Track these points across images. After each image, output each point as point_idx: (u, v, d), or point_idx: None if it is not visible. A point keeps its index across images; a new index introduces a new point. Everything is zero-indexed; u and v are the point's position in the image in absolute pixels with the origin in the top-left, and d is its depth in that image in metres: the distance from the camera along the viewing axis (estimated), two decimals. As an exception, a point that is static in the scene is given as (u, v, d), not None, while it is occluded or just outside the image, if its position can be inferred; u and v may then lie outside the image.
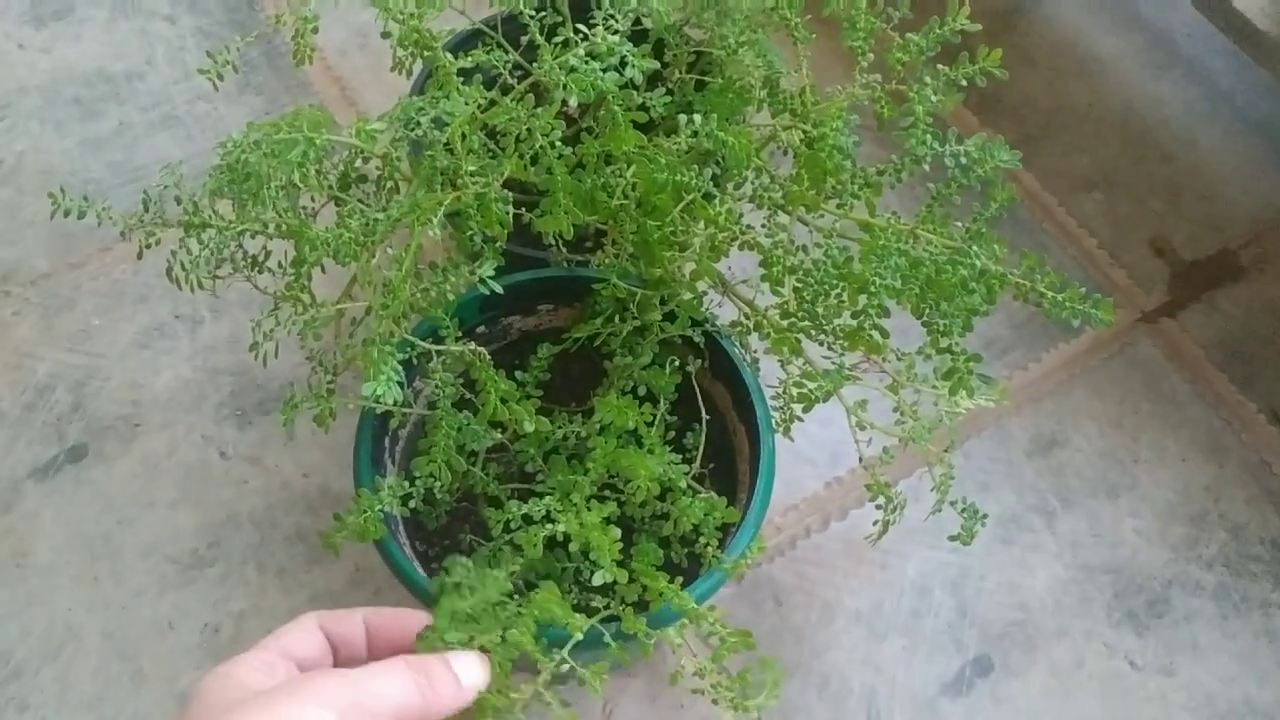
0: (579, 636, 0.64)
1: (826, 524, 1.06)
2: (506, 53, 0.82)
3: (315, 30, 0.83)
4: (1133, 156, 1.29)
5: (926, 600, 1.03)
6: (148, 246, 0.77)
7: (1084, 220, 1.24)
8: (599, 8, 0.76)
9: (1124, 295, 1.20)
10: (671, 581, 0.72)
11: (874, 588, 1.03)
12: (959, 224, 0.76)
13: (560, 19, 0.93)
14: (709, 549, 0.75)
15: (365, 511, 0.74)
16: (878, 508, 0.85)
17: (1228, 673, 1.00)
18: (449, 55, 0.78)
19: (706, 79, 0.88)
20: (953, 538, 0.82)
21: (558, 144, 0.74)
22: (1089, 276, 1.20)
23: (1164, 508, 1.08)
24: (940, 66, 0.77)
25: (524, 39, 0.78)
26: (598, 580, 0.72)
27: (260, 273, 0.80)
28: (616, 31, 0.74)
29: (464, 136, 0.75)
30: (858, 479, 1.07)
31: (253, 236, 0.77)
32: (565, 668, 0.62)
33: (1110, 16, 1.39)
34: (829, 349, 0.80)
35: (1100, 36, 1.37)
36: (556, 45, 0.75)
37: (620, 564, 0.73)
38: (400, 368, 0.70)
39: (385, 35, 0.79)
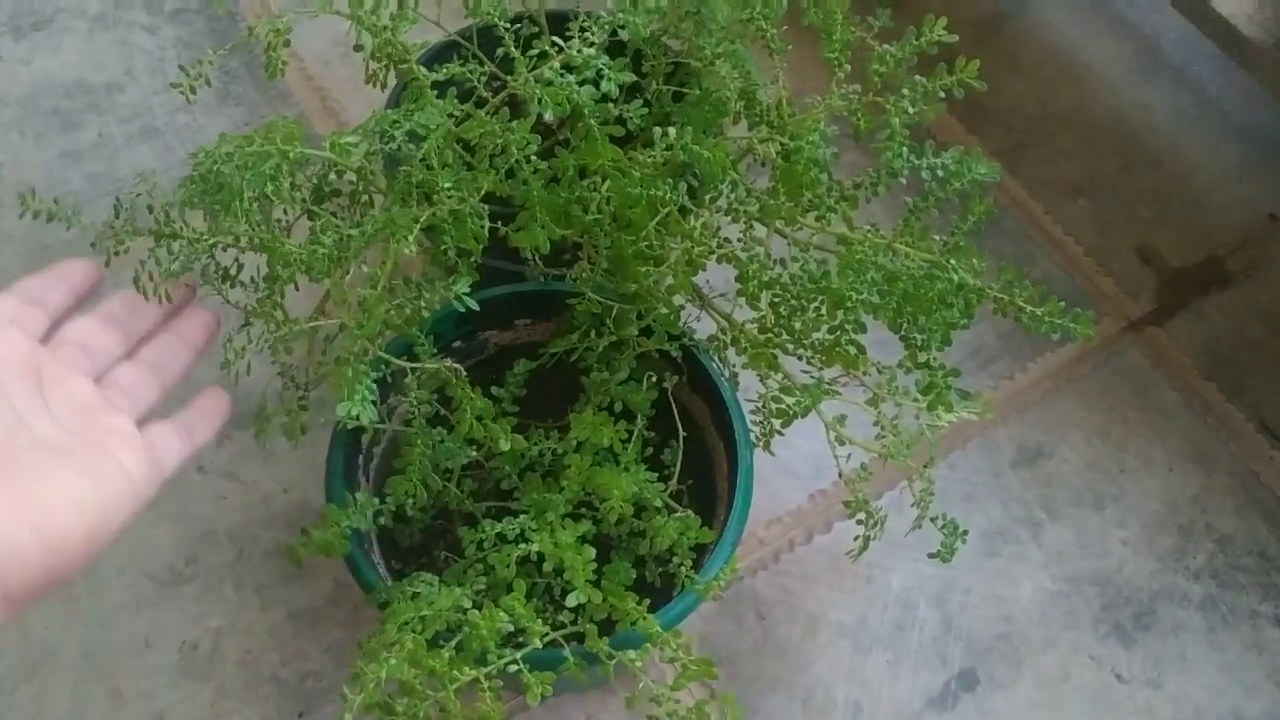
0: (537, 644, 0.64)
1: (810, 537, 1.05)
2: (482, 64, 0.82)
3: (288, 44, 0.82)
4: (1120, 163, 1.28)
5: (911, 613, 1.02)
6: (116, 254, 0.76)
7: (1070, 227, 1.23)
8: (576, 19, 0.76)
9: (1111, 303, 1.19)
10: (643, 601, 0.71)
11: (858, 601, 1.02)
12: (937, 237, 0.75)
13: (537, 30, 0.92)
14: (682, 570, 0.74)
15: (333, 527, 0.73)
16: (858, 523, 0.84)
17: (1216, 685, 1.00)
18: (423, 68, 0.77)
19: (684, 90, 0.87)
20: (933, 555, 0.81)
21: (533, 158, 0.73)
22: (1075, 284, 1.20)
23: (1151, 518, 1.07)
24: (919, 78, 0.76)
25: (500, 51, 0.77)
26: (571, 601, 0.71)
27: (232, 286, 0.79)
28: (592, 44, 0.73)
29: (439, 150, 0.75)
30: (841, 492, 1.06)
31: (225, 249, 0.76)
32: (514, 669, 0.63)
33: (1097, 22, 1.38)
34: (808, 363, 0.80)
35: (1087, 43, 1.36)
36: (532, 58, 0.74)
37: (595, 583, 0.72)
38: (374, 386, 0.69)
39: (358, 48, 0.78)
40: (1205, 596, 1.04)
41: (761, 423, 0.82)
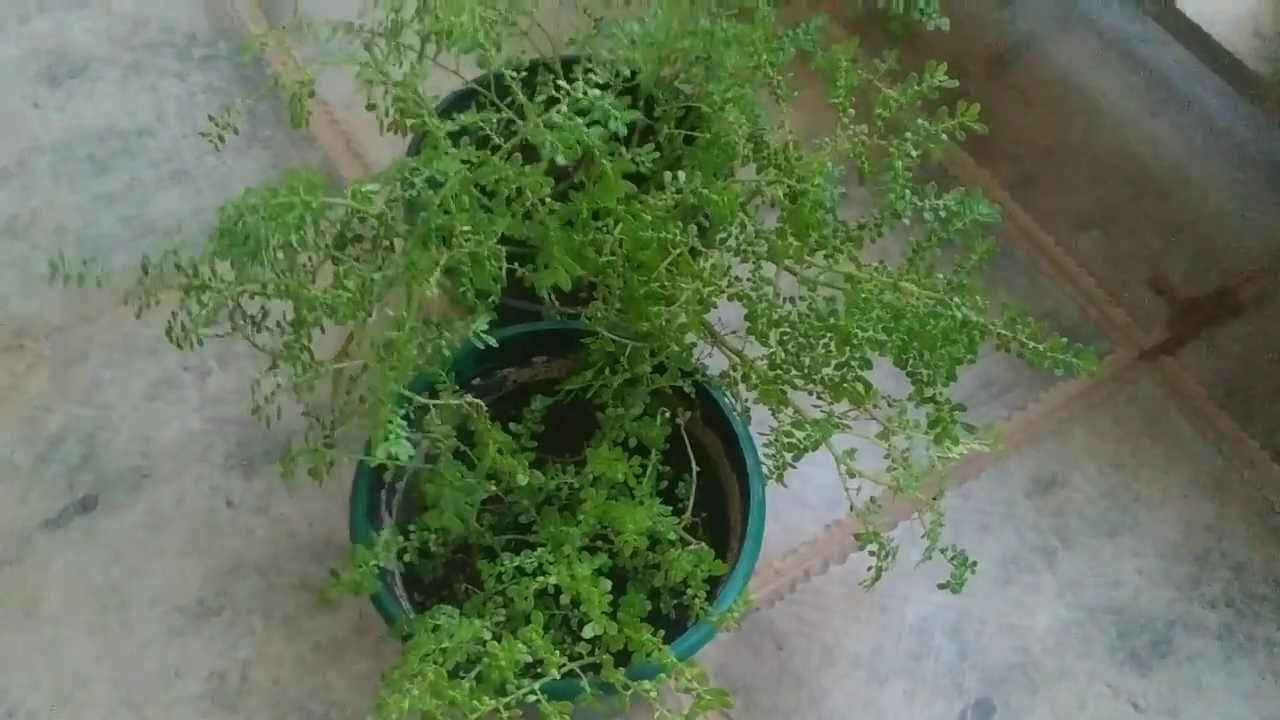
0: (555, 673, 0.66)
1: (826, 567, 1.06)
2: (498, 110, 0.84)
3: (312, 94, 0.85)
4: (1130, 194, 1.29)
5: (926, 643, 1.03)
6: (147, 306, 0.79)
7: (1082, 259, 1.25)
8: (588, 68, 0.78)
9: (1123, 334, 1.20)
10: (658, 632, 0.73)
11: (874, 631, 1.03)
12: (941, 275, 0.77)
13: (552, 76, 0.95)
14: (696, 601, 0.76)
15: (360, 567, 0.75)
16: (870, 554, 0.86)
17: (1233, 713, 1.00)
18: (440, 118, 0.80)
19: (695, 134, 0.90)
20: (942, 586, 0.82)
21: (548, 200, 0.76)
22: (1087, 315, 1.21)
23: (1166, 547, 1.08)
24: (921, 121, 0.78)
25: (512, 97, 0.80)
26: (588, 633, 0.73)
27: (259, 331, 0.81)
28: (598, 85, 0.76)
29: (456, 196, 0.77)
30: (856, 522, 1.07)
31: (251, 297, 0.79)
32: (532, 699, 0.65)
33: (1107, 56, 1.40)
34: (818, 398, 0.81)
35: (1097, 76, 1.38)
36: (540, 104, 0.77)
37: (611, 615, 0.74)
38: (406, 424, 0.71)
39: (370, 107, 0.81)
40: (1221, 624, 1.04)
41: (774, 456, 0.84)
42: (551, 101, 0.75)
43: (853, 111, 0.80)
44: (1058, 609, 1.05)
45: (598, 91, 0.73)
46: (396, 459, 0.69)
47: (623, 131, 0.75)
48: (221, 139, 0.82)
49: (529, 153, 0.81)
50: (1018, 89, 1.37)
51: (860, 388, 0.76)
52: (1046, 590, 1.06)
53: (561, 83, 0.75)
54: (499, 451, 0.77)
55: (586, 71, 0.75)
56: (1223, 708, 1.00)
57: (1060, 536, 1.08)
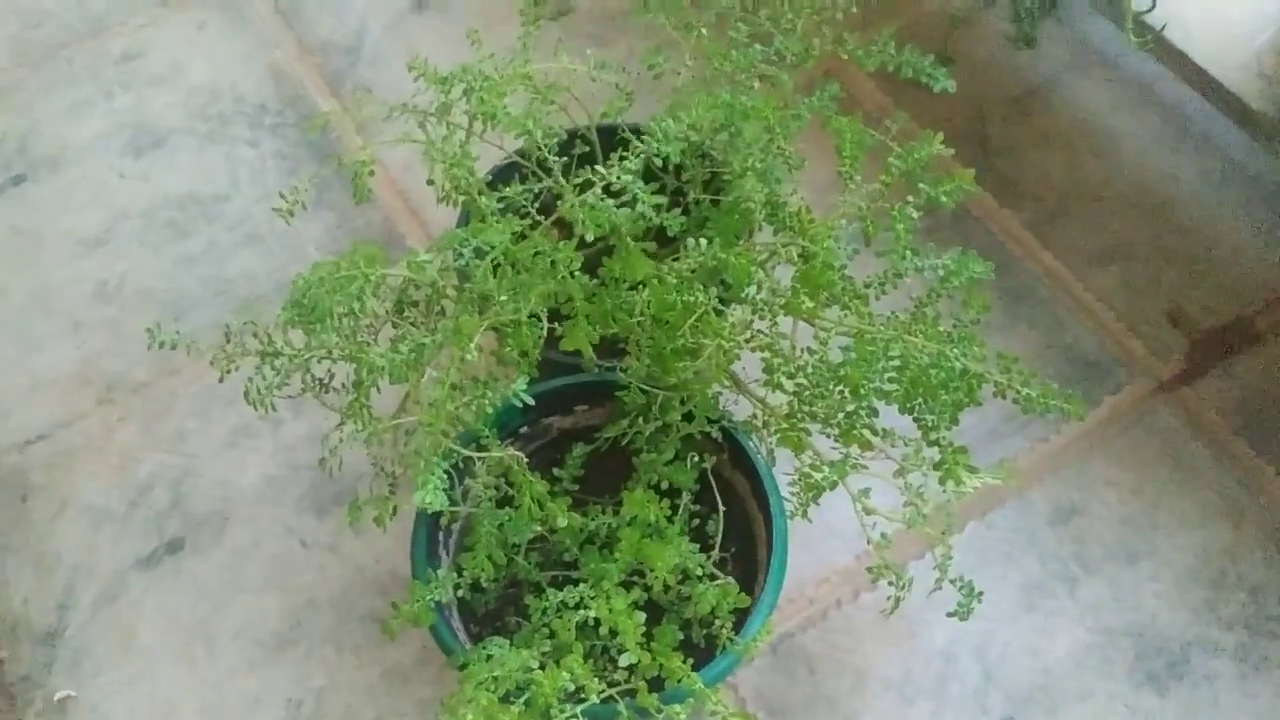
0: (595, 699, 0.74)
1: (856, 595, 1.13)
2: (539, 180, 0.93)
3: (372, 173, 0.95)
4: (1148, 230, 1.35)
5: (953, 666, 1.09)
6: (228, 372, 0.88)
7: (1101, 294, 1.30)
8: (619, 135, 0.86)
9: (1142, 365, 1.25)
10: (689, 660, 0.81)
11: (902, 655, 1.10)
12: (942, 328, 0.83)
13: (588, 148, 1.04)
14: (723, 632, 0.84)
15: (418, 601, 0.84)
16: (889, 584, 0.92)
17: (1249, 731, 1.05)
18: (488, 190, 0.89)
19: (720, 198, 0.97)
20: (950, 614, 0.89)
21: (577, 273, 0.84)
22: (1106, 349, 1.26)
23: (1183, 571, 1.13)
24: (922, 185, 0.86)
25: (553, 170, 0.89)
26: (624, 661, 0.81)
27: (327, 392, 0.91)
28: (630, 171, 0.84)
29: (496, 266, 0.86)
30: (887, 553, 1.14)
31: (319, 361, 0.88)
32: None
33: (1125, 96, 1.45)
34: (835, 441, 0.89)
35: (1116, 116, 1.44)
36: (576, 186, 0.85)
37: (645, 645, 0.82)
38: (449, 474, 0.80)
39: (430, 182, 0.90)
40: (1237, 645, 1.09)
41: (798, 494, 0.91)
42: (587, 184, 0.84)
43: (859, 178, 0.88)
44: (1078, 632, 1.10)
45: (629, 177, 0.82)
46: (431, 507, 0.77)
47: (650, 215, 0.83)
48: (292, 213, 0.92)
49: (564, 224, 0.90)
50: (1038, 130, 1.43)
51: (867, 434, 0.82)
52: (1067, 614, 1.11)
53: (599, 167, 0.84)
54: (536, 501, 0.85)
55: (621, 158, 0.83)
56: (1240, 725, 1.05)
57: (1081, 563, 1.14)
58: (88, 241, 1.41)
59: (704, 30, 1.00)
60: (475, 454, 0.85)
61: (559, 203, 0.88)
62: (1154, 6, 1.30)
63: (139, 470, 1.24)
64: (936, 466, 0.84)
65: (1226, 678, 1.07)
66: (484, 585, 0.90)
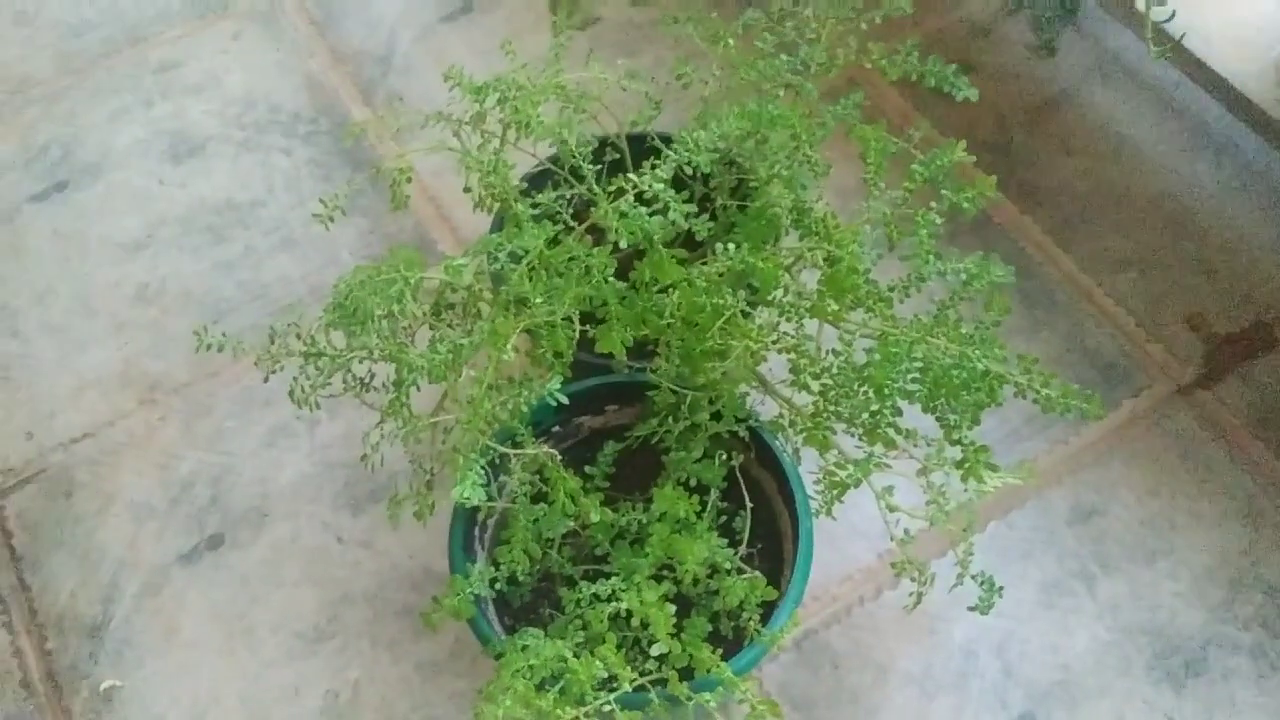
0: (627, 686, 0.77)
1: (879, 593, 1.15)
2: (572, 186, 0.96)
3: (409, 180, 0.98)
4: (1168, 236, 1.37)
5: (973, 662, 1.11)
6: (273, 372, 0.92)
7: (1121, 299, 1.32)
8: (650, 143, 0.90)
9: (1160, 370, 1.27)
10: (717, 651, 0.83)
11: (924, 651, 1.12)
12: (964, 330, 0.86)
13: (619, 155, 1.07)
14: (750, 624, 0.86)
15: (458, 595, 0.87)
16: (912, 580, 0.95)
17: (1266, 728, 1.07)
18: (520, 202, 0.92)
19: (747, 204, 1.00)
20: (971, 608, 0.91)
21: (610, 279, 0.87)
22: (1125, 353, 1.29)
23: (1201, 571, 1.15)
24: (945, 191, 0.88)
25: (585, 178, 0.92)
26: (655, 651, 0.84)
27: (367, 391, 0.94)
28: (662, 180, 0.87)
29: (531, 270, 0.89)
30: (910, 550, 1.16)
31: (360, 361, 0.91)
32: (607, 709, 0.75)
33: (1145, 103, 1.47)
34: (859, 440, 0.91)
35: (1136, 122, 1.46)
36: (610, 192, 0.88)
37: (675, 636, 0.85)
38: (486, 470, 0.83)
39: (467, 190, 0.93)
40: (1255, 644, 1.11)
41: (823, 492, 0.93)
42: (619, 191, 0.87)
43: (883, 184, 0.90)
44: (1097, 630, 1.12)
45: (661, 186, 0.85)
46: (469, 502, 0.80)
47: (681, 223, 0.85)
48: (331, 219, 0.95)
49: (595, 229, 0.93)
50: (1059, 138, 1.45)
51: (891, 433, 0.85)
52: (1086, 612, 1.13)
53: (631, 175, 0.87)
54: (570, 497, 0.88)
55: (653, 167, 0.86)
56: (1257, 722, 1.07)
57: (1099, 562, 1.16)
58: (128, 246, 1.45)
59: (731, 40, 1.03)
60: (511, 451, 0.88)
61: (591, 209, 0.91)
62: (1173, 16, 1.32)
63: (180, 468, 1.27)
64: (958, 465, 0.86)
65: (1244, 676, 1.09)
66: (519, 579, 0.93)
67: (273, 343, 0.91)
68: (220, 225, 1.47)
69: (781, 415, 0.96)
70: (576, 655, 0.83)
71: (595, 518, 0.89)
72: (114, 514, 1.25)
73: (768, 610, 0.90)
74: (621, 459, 0.99)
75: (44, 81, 1.62)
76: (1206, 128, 1.44)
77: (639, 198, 0.87)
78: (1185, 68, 1.32)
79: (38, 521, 1.25)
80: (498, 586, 0.90)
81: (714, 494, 0.94)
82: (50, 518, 1.25)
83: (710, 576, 0.89)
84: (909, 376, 0.84)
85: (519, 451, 0.89)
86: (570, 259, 0.87)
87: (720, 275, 0.89)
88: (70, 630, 1.18)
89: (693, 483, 0.95)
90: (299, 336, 0.90)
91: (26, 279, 1.43)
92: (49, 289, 1.42)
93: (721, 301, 0.87)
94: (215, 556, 1.22)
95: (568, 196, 0.96)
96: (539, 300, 0.88)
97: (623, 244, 0.85)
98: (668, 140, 0.91)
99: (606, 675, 0.82)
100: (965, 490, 0.89)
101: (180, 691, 1.14)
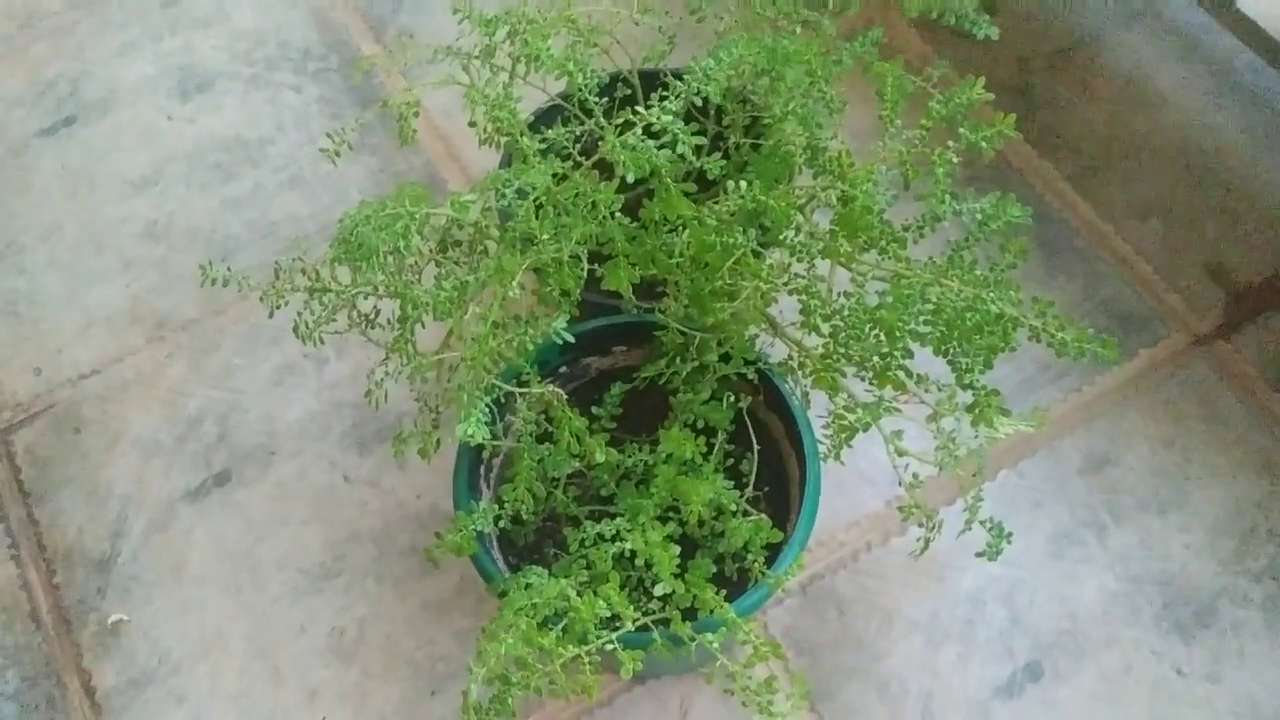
0: (630, 626, 0.76)
1: (887, 539, 1.15)
2: (581, 123, 0.94)
3: (417, 114, 0.96)
4: (1190, 184, 1.34)
5: (980, 610, 1.11)
6: (277, 307, 0.91)
7: (1140, 247, 1.30)
8: (662, 80, 0.88)
9: (1178, 319, 1.25)
10: (721, 592, 0.83)
11: (931, 599, 1.12)
12: (979, 272, 0.84)
13: (630, 91, 1.05)
14: (755, 565, 0.86)
15: (461, 531, 0.86)
16: (919, 525, 0.94)
17: (1273, 680, 1.06)
18: (530, 132, 0.90)
19: (760, 142, 0.98)
20: (979, 554, 0.90)
21: (618, 214, 0.86)
22: (1143, 301, 1.26)
23: (1214, 523, 1.14)
24: (962, 130, 0.86)
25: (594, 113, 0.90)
26: (659, 591, 0.83)
27: (372, 328, 0.93)
28: (671, 112, 0.85)
29: (539, 206, 0.88)
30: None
31: (365, 298, 0.90)
32: (610, 647, 0.75)
33: (1170, 48, 1.44)
34: (868, 384, 0.90)
35: (1160, 68, 1.43)
36: (618, 126, 0.86)
37: (679, 576, 0.84)
38: (491, 409, 0.82)
39: (472, 124, 0.92)
40: (1266, 597, 1.10)
41: (831, 437, 0.92)
42: (627, 125, 0.85)
43: (900, 123, 0.88)
44: (1106, 580, 1.11)
45: (669, 118, 0.83)
46: (473, 440, 0.79)
47: (690, 156, 0.84)
48: (338, 154, 0.93)
49: (605, 166, 0.91)
50: (1081, 82, 1.42)
51: (901, 375, 0.84)
52: (1096, 563, 1.12)
53: (639, 108, 0.85)
54: (575, 436, 0.87)
55: (662, 99, 0.84)
56: (1263, 675, 1.06)
57: (1111, 512, 1.15)
58: (136, 182, 1.44)
59: (748, -25, 1.00)
60: (517, 389, 0.87)
61: (600, 145, 0.89)
62: (1203, -43, 1.29)
63: (188, 405, 1.27)
64: (969, 409, 0.85)
65: (1254, 628, 1.08)
66: (524, 518, 0.92)
67: (277, 277, 0.90)
68: (229, 162, 1.45)
69: (791, 357, 0.95)
70: (580, 594, 0.83)
71: (600, 458, 0.88)
72: (121, 450, 1.25)
73: (773, 553, 0.89)
74: (629, 400, 0.98)
75: (52, 15, 1.60)
76: (1234, 74, 1.41)
77: (647, 131, 0.85)
78: (1214, 11, 1.28)
79: (46, 457, 1.25)
80: (501, 524, 0.89)
81: (721, 436, 0.93)
82: (58, 453, 1.25)
83: (716, 518, 0.89)
84: (921, 319, 0.82)
85: (525, 390, 0.88)
86: (577, 195, 0.85)
87: (731, 214, 0.87)
88: (78, 565, 1.18)
89: (700, 425, 0.94)
90: (304, 272, 0.89)
91: (34, 215, 1.42)
92: (56, 225, 1.41)
93: (732, 240, 0.86)
94: (222, 493, 1.22)
95: (577, 133, 0.95)
96: (546, 237, 0.86)
97: (630, 178, 0.83)
98: (680, 76, 0.89)
99: (609, 614, 0.81)
100: (976, 436, 0.88)
101: (187, 627, 1.14)
